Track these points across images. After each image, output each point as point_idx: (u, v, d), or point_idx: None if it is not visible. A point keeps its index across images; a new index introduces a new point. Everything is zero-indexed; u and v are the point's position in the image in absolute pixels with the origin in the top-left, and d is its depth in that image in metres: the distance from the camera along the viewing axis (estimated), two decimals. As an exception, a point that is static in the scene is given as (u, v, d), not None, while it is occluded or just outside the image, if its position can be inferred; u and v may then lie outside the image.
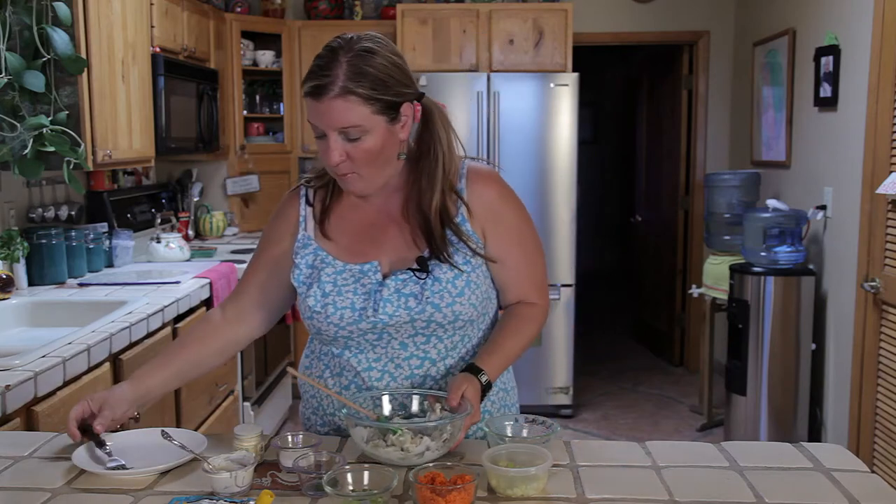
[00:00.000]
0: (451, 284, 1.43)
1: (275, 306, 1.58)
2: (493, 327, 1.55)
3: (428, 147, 1.46)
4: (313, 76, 1.34)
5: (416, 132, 1.46)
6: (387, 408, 1.41)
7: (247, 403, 3.68)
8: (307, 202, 1.54)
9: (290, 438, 1.33)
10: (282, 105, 4.91)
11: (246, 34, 4.70)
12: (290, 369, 1.49)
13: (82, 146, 2.60)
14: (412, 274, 1.43)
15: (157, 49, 3.44)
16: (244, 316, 1.57)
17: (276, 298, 1.57)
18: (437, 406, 1.39)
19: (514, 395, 1.64)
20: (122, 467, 1.30)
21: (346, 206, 1.52)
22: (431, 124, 1.46)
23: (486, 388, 1.41)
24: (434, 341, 1.46)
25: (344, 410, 1.34)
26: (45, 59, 2.47)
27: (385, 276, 1.44)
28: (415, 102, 1.41)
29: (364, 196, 1.48)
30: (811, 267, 3.71)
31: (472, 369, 1.41)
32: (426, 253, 1.44)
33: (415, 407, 1.41)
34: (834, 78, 3.54)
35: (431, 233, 1.44)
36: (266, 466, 1.31)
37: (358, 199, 1.51)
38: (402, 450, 1.28)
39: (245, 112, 4.76)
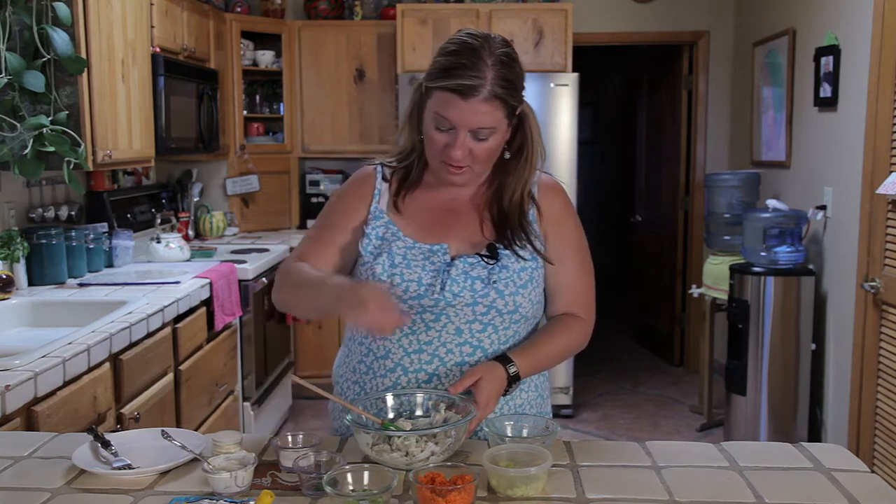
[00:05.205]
0: (517, 275, 1.47)
1: (347, 273, 1.57)
2: None
3: (520, 147, 1.51)
4: (459, 74, 1.36)
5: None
6: (391, 409, 1.41)
7: (247, 403, 3.69)
8: (383, 178, 1.57)
9: (290, 438, 1.33)
10: (282, 105, 4.90)
11: (246, 34, 4.70)
12: (294, 377, 1.48)
13: (82, 146, 2.59)
14: (480, 259, 1.46)
15: (157, 49, 3.44)
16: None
17: (350, 264, 1.56)
18: (442, 406, 1.39)
19: (549, 404, 1.65)
20: (128, 467, 1.30)
21: (422, 189, 1.55)
22: (527, 126, 1.50)
23: (512, 380, 1.42)
24: (490, 331, 1.48)
25: (349, 417, 1.34)
26: (45, 59, 2.47)
27: (453, 259, 1.47)
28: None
29: (459, 185, 1.51)
30: (811, 267, 3.70)
31: (502, 359, 1.43)
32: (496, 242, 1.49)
33: (419, 410, 1.41)
34: (834, 78, 3.54)
35: (506, 225, 1.49)
36: (266, 466, 1.31)
37: (435, 184, 1.54)
38: (407, 454, 1.28)
39: (245, 112, 4.76)
